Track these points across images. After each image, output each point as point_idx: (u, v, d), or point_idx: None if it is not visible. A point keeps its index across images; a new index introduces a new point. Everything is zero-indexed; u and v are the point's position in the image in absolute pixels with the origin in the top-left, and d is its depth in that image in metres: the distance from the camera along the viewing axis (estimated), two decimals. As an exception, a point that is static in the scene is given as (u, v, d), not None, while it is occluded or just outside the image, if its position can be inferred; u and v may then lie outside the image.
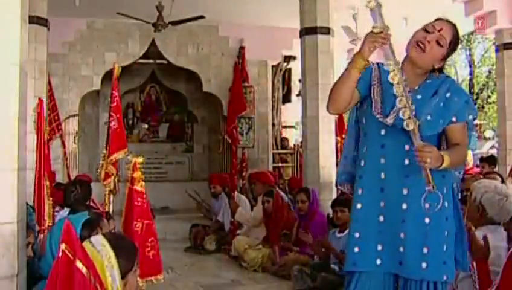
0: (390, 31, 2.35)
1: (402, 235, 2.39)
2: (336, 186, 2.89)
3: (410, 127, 2.28)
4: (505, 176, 7.25)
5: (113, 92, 4.42)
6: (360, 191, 2.51)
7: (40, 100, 4.37)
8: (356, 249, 2.47)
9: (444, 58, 2.48)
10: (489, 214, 3.16)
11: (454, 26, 2.47)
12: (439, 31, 2.41)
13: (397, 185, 2.41)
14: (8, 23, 2.76)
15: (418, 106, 2.36)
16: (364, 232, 2.46)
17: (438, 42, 2.41)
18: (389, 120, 2.36)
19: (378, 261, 2.44)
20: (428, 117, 2.35)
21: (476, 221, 3.23)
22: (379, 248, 2.44)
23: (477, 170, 8.57)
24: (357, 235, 2.48)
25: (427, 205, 2.34)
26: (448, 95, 2.42)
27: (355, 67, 2.39)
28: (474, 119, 2.50)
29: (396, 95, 2.32)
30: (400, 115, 2.30)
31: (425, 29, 2.43)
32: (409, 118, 2.29)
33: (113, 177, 4.70)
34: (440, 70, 2.53)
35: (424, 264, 2.35)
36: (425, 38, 2.40)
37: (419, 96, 2.41)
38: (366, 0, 2.31)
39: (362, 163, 2.53)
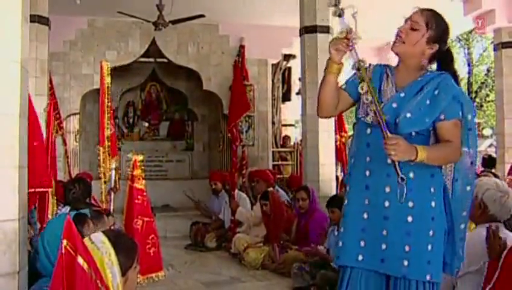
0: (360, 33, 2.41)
1: (384, 232, 2.41)
2: (345, 184, 2.98)
3: (369, 121, 2.38)
4: (504, 173, 7.27)
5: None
6: (348, 188, 2.61)
7: (51, 101, 4.41)
8: (340, 244, 2.54)
9: (431, 41, 2.46)
10: (490, 211, 3.17)
11: (426, 9, 2.50)
12: (410, 19, 2.47)
13: (380, 183, 2.44)
14: (10, 22, 2.79)
15: (399, 104, 2.39)
16: (349, 227, 2.52)
17: (412, 28, 2.45)
18: (369, 118, 2.44)
19: (360, 257, 2.46)
20: (408, 115, 2.36)
21: (477, 219, 3.25)
22: (362, 244, 2.47)
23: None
24: (341, 229, 2.57)
25: (410, 203, 2.36)
26: (436, 92, 2.40)
27: (330, 72, 2.49)
28: (473, 117, 2.48)
29: (361, 92, 2.41)
30: (368, 110, 2.41)
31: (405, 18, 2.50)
32: (375, 113, 2.34)
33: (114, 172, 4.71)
34: (444, 60, 2.52)
35: (405, 262, 2.36)
36: (401, 29, 2.47)
37: (402, 94, 2.43)
38: (332, 9, 2.41)
39: (352, 161, 2.61)
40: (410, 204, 2.38)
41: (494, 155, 9.63)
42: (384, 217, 2.42)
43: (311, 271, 5.18)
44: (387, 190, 2.41)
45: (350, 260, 2.49)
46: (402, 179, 2.29)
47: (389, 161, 2.37)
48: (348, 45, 2.39)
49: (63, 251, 1.74)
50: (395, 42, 2.48)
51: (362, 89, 2.40)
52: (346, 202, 2.58)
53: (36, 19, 6.82)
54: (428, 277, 2.38)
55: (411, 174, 2.37)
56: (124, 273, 2.00)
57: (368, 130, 2.49)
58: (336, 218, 5.17)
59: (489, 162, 8.43)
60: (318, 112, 2.64)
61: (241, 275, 5.97)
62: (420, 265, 2.38)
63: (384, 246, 2.41)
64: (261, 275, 5.96)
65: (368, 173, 2.48)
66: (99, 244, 1.95)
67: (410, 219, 2.38)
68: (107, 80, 4.46)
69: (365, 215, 2.48)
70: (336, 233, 5.26)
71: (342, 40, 2.40)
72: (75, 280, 1.74)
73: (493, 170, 7.86)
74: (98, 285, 1.84)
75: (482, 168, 8.33)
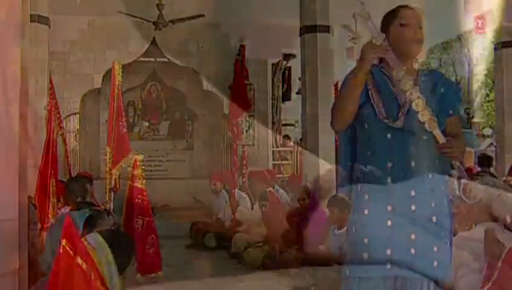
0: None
1: (413, 236, 2.37)
2: (336, 190, 2.88)
3: (432, 128, 2.30)
4: (504, 173, 7.26)
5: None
6: (366, 197, 2.46)
7: (51, 100, 4.40)
8: (366, 256, 2.42)
9: None
10: (489, 210, 3.18)
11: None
12: (419, 21, 2.45)
13: (405, 188, 2.39)
14: (10, 22, 2.79)
15: None
16: (373, 237, 2.43)
17: (420, 28, 2.45)
18: (400, 123, 2.36)
19: (388, 266, 2.40)
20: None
21: (477, 218, 3.25)
22: (388, 252, 2.40)
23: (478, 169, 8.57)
24: (365, 241, 2.43)
25: (432, 204, 2.36)
26: (442, 90, 2.45)
27: (360, 81, 2.38)
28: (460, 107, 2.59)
29: (411, 99, 2.33)
30: (420, 118, 2.30)
31: (402, 24, 2.43)
32: (429, 119, 2.30)
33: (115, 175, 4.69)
34: None
35: (435, 263, 2.36)
36: (416, 34, 2.42)
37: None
38: (356, 11, 2.36)
39: (367, 168, 2.49)
40: (433, 204, 2.37)
41: (490, 154, 9.64)
42: (411, 221, 2.38)
43: (311, 271, 5.17)
44: (413, 193, 2.38)
45: (380, 271, 2.41)
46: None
47: (413, 165, 2.37)
48: (386, 50, 2.36)
49: (62, 251, 1.75)
50: (413, 44, 2.42)
51: (412, 94, 2.32)
52: (365, 212, 2.45)
53: (36, 18, 6.83)
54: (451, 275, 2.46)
55: (430, 175, 2.38)
56: (121, 272, 2.01)
57: (389, 135, 2.41)
58: (335, 218, 5.17)
59: (486, 161, 8.41)
60: (337, 124, 2.49)
61: (241, 274, 5.97)
62: (445, 263, 2.40)
63: (413, 251, 2.37)
64: (261, 275, 5.96)
65: (389, 179, 2.41)
66: (95, 245, 1.96)
67: (434, 219, 2.38)
68: (118, 79, 4.42)
69: (389, 223, 2.40)
70: (337, 232, 5.28)
71: (380, 47, 2.34)
72: (74, 279, 1.75)
73: (490, 169, 7.86)
74: (97, 285, 1.85)
75: (479, 168, 8.32)
